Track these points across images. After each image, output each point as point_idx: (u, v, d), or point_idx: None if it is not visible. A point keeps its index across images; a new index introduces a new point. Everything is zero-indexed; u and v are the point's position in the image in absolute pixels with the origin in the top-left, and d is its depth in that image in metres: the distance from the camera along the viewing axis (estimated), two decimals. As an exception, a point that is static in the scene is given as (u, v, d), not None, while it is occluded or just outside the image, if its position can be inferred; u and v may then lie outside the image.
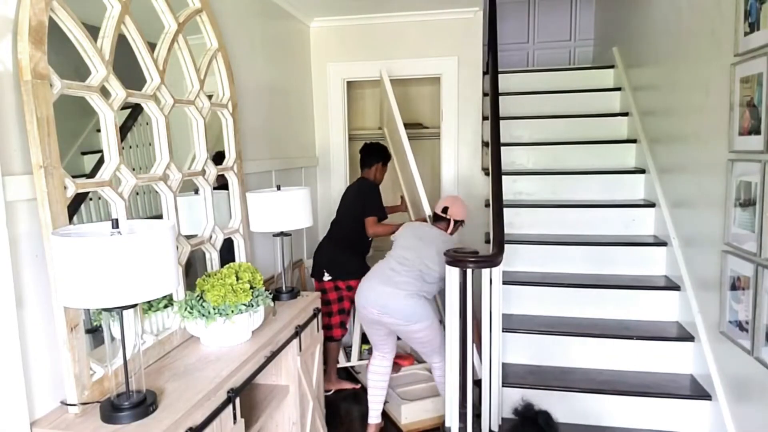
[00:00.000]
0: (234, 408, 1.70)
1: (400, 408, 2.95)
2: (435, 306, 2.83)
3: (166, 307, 1.90)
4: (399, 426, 2.96)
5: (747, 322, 2.06)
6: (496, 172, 2.81)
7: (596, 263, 3.07)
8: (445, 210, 2.91)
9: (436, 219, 2.96)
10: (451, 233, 2.92)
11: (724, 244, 2.24)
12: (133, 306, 1.35)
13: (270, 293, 2.11)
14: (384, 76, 3.35)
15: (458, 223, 2.95)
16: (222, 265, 2.17)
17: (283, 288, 2.52)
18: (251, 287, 1.98)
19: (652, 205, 3.19)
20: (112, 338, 1.62)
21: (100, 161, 1.67)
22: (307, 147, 3.86)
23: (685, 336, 2.63)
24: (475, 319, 2.42)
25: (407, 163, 3.27)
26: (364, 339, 3.59)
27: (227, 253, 2.39)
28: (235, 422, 1.71)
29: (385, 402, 3.07)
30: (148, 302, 1.82)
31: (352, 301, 3.22)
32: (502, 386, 2.53)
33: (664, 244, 2.98)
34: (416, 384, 3.20)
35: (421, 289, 2.65)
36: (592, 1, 5.20)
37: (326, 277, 3.31)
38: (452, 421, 2.44)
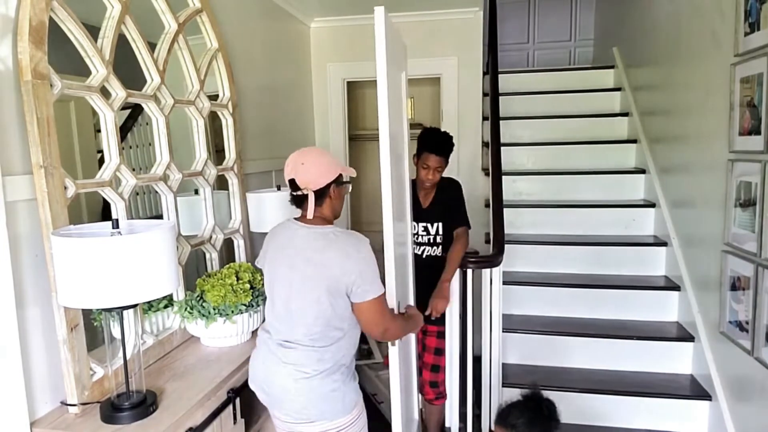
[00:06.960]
0: (234, 408, 1.70)
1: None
2: (356, 387, 1.68)
3: (166, 307, 1.90)
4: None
5: (747, 323, 2.06)
6: (496, 172, 2.81)
7: (596, 263, 3.07)
8: (293, 184, 1.57)
9: (298, 204, 1.63)
10: (329, 218, 1.62)
11: (724, 244, 2.24)
12: (133, 306, 1.35)
13: (270, 293, 2.11)
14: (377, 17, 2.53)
15: (328, 190, 1.58)
16: (222, 265, 2.17)
17: (283, 288, 2.51)
18: (251, 287, 1.98)
19: (652, 205, 3.19)
20: (112, 338, 1.62)
21: (100, 161, 1.67)
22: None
23: (685, 336, 2.63)
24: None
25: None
26: (363, 339, 3.59)
27: (227, 253, 2.39)
28: (235, 422, 1.71)
29: (381, 402, 3.05)
30: (148, 302, 1.82)
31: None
32: (502, 386, 2.53)
33: (664, 244, 2.98)
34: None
35: (326, 359, 1.54)
36: (592, 1, 5.20)
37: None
38: (452, 421, 2.45)
